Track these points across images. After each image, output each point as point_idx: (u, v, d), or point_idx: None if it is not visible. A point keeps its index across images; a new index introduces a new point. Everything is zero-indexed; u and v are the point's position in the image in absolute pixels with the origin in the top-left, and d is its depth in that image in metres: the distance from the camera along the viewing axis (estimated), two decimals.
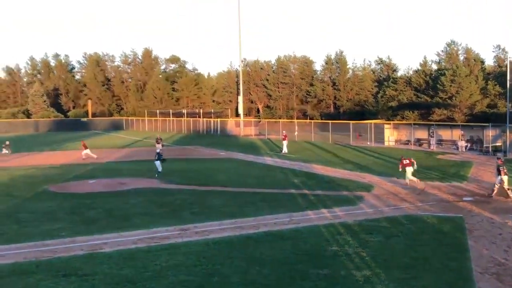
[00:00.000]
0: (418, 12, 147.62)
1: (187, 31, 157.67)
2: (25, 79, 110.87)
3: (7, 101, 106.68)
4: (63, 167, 32.50)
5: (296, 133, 55.42)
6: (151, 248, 13.68)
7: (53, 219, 17.45)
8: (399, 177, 25.07)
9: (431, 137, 43.77)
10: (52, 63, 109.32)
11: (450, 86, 63.90)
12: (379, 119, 65.51)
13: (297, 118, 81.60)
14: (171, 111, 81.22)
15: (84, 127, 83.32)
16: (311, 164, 32.77)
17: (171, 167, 28.62)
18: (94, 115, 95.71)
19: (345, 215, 17.57)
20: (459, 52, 74.36)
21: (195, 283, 11.09)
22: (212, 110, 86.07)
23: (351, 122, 53.63)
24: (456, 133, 42.69)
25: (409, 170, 23.93)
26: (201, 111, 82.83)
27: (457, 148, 40.88)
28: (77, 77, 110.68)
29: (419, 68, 75.57)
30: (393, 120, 60.95)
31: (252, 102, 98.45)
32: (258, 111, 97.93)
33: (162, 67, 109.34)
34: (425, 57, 77.75)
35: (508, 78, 38.68)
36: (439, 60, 75.83)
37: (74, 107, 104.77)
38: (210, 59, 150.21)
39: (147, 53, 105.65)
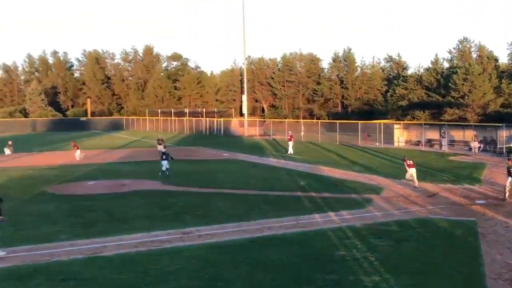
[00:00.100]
0: (429, 8, 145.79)
1: (190, 28, 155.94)
2: (22, 77, 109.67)
3: (4, 100, 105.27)
4: (62, 168, 32.32)
5: (302, 133, 54.96)
6: (152, 252, 13.46)
7: (52, 221, 17.21)
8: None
9: (443, 137, 43.06)
10: (50, 60, 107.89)
11: (463, 84, 62.84)
12: (389, 119, 64.85)
13: (303, 118, 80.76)
14: (172, 110, 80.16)
15: (83, 126, 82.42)
16: (317, 165, 32.41)
17: (173, 168, 28.43)
18: (93, 114, 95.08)
19: (353, 219, 17.24)
20: (472, 49, 73.19)
21: None
22: (215, 110, 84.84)
23: (359, 122, 52.71)
24: (469, 134, 42.06)
25: (413, 171, 23.56)
26: (204, 110, 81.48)
27: (470, 149, 40.23)
28: (76, 75, 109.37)
29: (430, 66, 74.78)
30: (403, 120, 60.23)
31: (256, 101, 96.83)
32: (263, 110, 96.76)
33: (164, 65, 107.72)
34: (436, 55, 77.55)
35: None
36: (451, 58, 74.85)
37: (72, 106, 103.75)
38: (213, 56, 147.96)
39: (148, 50, 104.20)
